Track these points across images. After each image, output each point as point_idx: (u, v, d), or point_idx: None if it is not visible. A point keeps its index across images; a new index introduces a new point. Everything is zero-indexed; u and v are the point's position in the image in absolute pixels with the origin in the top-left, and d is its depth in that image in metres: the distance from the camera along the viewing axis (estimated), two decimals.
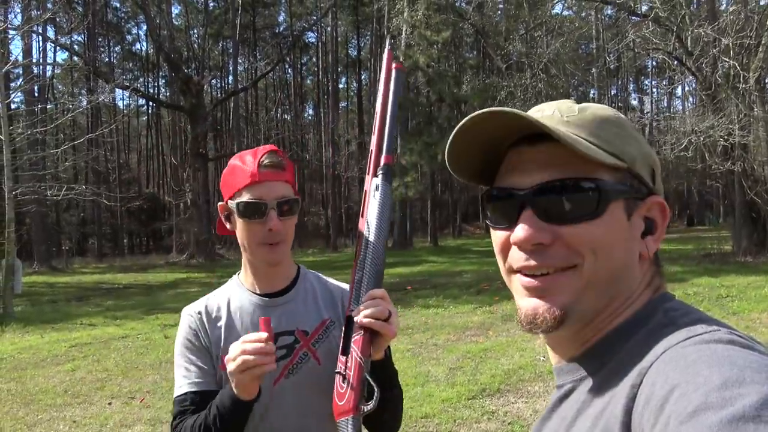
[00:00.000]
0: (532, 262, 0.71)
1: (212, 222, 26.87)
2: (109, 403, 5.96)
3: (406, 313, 10.21)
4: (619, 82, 52.89)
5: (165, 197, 42.57)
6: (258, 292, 1.53)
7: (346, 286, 1.54)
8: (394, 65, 1.25)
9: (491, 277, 13.30)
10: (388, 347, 1.37)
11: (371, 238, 1.20)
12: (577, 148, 0.67)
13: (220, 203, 1.50)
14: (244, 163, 1.43)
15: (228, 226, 1.49)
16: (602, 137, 0.72)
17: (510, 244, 0.73)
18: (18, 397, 6.35)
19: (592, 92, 38.01)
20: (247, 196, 1.41)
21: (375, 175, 1.24)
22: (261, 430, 1.42)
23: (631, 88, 56.98)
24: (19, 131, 14.89)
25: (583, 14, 37.19)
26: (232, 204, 1.44)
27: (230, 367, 1.26)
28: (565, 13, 36.84)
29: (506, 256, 0.74)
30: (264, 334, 1.24)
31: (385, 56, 1.28)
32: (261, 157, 1.42)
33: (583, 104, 0.76)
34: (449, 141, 0.74)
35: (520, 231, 0.70)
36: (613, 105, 51.47)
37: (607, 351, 0.70)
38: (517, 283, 0.73)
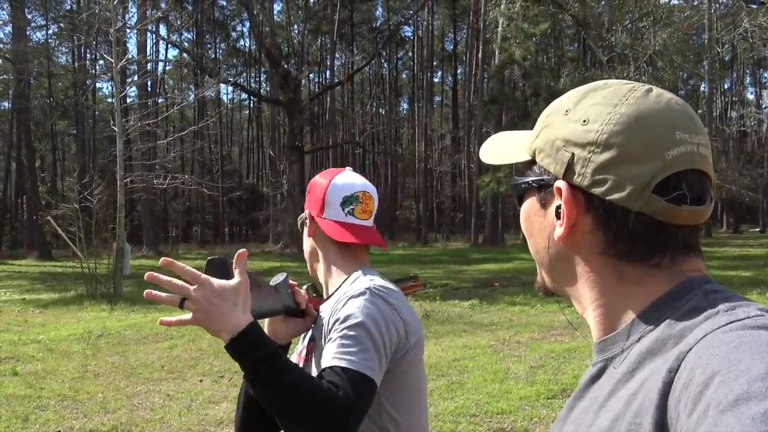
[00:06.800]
0: None
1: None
2: (200, 380, 6.30)
3: (491, 310, 10.09)
4: (734, 75, 49.53)
5: (263, 188, 44.23)
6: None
7: (355, 287, 1.39)
8: None
9: None
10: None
11: None
12: (489, 162, 0.85)
13: None
14: None
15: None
16: (534, 132, 0.77)
17: None
18: (121, 369, 6.84)
19: (702, 86, 35.81)
20: None
21: None
22: None
23: (747, 81, 53.31)
24: (131, 123, 15.94)
25: (695, 2, 35.06)
26: None
27: None
28: (674, 1, 34.89)
29: None
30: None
31: None
32: None
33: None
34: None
35: None
36: (726, 99, 48.37)
37: (637, 330, 0.68)
38: None
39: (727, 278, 12.59)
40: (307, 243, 1.50)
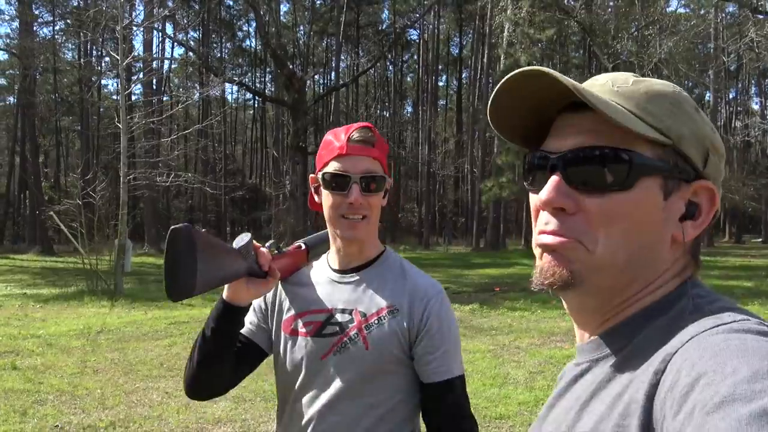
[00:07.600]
0: (550, 227, 0.70)
1: (308, 214, 27.75)
2: None
3: (491, 315, 10.08)
4: (739, 85, 49.49)
5: (266, 188, 44.21)
6: (334, 266, 1.52)
7: (427, 283, 1.49)
8: None
9: None
10: None
11: None
12: (608, 115, 0.64)
13: (311, 175, 1.51)
14: (336, 136, 1.44)
15: (317, 198, 1.50)
16: (649, 111, 0.68)
17: (539, 209, 0.73)
18: (120, 366, 6.84)
19: (707, 95, 35.77)
20: (333, 168, 1.42)
21: None
22: (299, 398, 1.46)
23: (752, 91, 53.25)
24: (135, 120, 15.95)
25: (702, 11, 35.03)
26: (319, 176, 1.46)
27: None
28: (681, 10, 34.90)
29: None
30: None
31: None
32: (351, 132, 1.43)
33: (642, 78, 0.73)
34: (491, 98, 0.73)
35: (544, 193, 0.69)
36: (731, 108, 48.32)
37: (628, 333, 0.68)
38: (535, 245, 0.73)
39: (729, 288, 12.56)
40: (378, 204, 1.48)
